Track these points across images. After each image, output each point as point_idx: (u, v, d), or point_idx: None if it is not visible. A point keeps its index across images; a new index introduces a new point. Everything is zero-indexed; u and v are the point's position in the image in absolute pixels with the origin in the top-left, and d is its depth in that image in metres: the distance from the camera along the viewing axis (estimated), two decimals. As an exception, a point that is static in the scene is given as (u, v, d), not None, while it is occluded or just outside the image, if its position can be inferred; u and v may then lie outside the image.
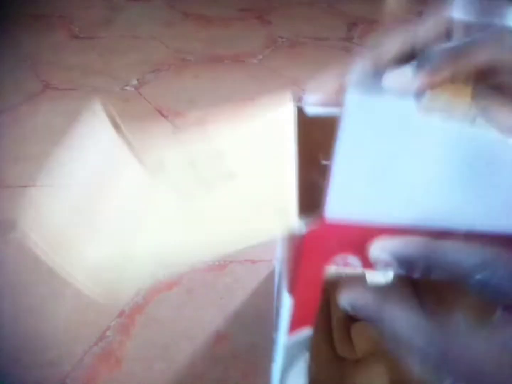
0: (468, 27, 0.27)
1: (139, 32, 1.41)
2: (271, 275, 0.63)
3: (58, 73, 1.13)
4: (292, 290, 0.29)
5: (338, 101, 0.27)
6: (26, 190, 0.77)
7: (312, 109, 0.35)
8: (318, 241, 0.27)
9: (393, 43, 0.28)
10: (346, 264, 0.27)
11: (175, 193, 0.28)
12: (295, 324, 0.31)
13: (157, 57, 1.25)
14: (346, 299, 0.27)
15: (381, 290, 0.26)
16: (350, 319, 0.45)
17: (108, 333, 0.55)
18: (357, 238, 0.26)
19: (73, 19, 1.47)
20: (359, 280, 0.28)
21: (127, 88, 1.09)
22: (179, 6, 1.64)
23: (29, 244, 0.28)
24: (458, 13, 0.28)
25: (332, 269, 0.28)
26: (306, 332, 0.32)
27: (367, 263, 0.27)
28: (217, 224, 0.28)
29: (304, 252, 0.27)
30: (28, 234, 0.26)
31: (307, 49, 1.35)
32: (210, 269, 0.64)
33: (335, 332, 0.45)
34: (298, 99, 0.40)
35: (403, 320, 0.24)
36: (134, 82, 1.12)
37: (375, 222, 0.25)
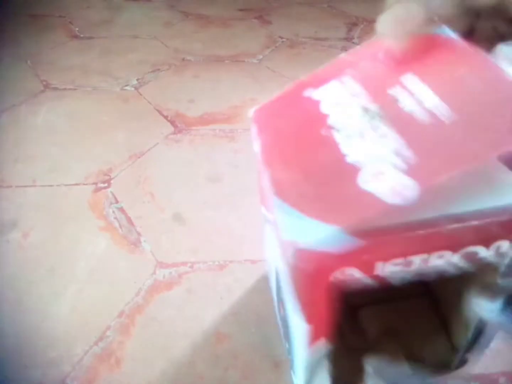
0: None
1: (139, 32, 1.41)
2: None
3: (58, 73, 1.13)
4: (305, 316, 0.29)
5: None
6: (26, 190, 0.77)
7: None
8: (316, 266, 0.26)
9: None
10: (349, 277, 0.27)
11: None
12: (313, 339, 0.31)
13: (157, 57, 1.25)
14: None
15: None
16: (355, 307, 0.45)
17: (108, 333, 0.55)
18: (356, 254, 0.26)
19: (73, 19, 1.47)
20: None
21: (127, 88, 1.09)
22: (179, 6, 1.64)
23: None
24: None
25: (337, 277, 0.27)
26: (323, 343, 0.32)
27: (371, 275, 0.26)
28: None
29: (306, 281, 0.27)
30: None
31: (307, 49, 1.35)
32: (210, 269, 0.64)
33: (343, 324, 0.45)
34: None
35: None
36: (134, 82, 1.12)
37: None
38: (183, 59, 1.25)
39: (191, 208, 0.74)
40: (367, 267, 0.26)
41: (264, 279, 0.62)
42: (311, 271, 0.25)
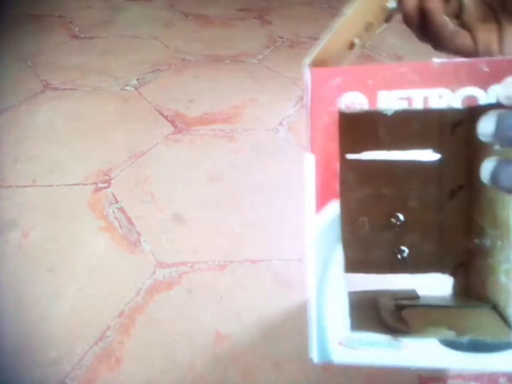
0: None
1: (139, 32, 1.41)
2: (271, 275, 0.63)
3: (58, 73, 1.13)
4: (312, 146, 0.29)
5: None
6: (26, 190, 0.77)
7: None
8: (325, 81, 0.29)
9: None
10: (353, 104, 0.29)
11: None
12: (321, 199, 0.30)
13: (157, 57, 1.25)
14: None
15: None
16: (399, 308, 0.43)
17: (108, 333, 0.55)
18: (362, 76, 0.28)
19: (73, 19, 1.47)
20: None
21: (127, 88, 1.09)
22: (179, 6, 1.64)
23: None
24: None
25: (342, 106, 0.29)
26: (334, 208, 0.30)
27: (373, 102, 0.28)
28: None
29: (313, 94, 0.29)
30: None
31: (307, 49, 1.34)
32: (210, 269, 0.64)
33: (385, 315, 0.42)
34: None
35: None
36: (134, 82, 1.12)
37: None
38: (183, 59, 1.25)
39: (191, 208, 0.74)
40: (371, 93, 0.28)
41: (264, 279, 0.62)
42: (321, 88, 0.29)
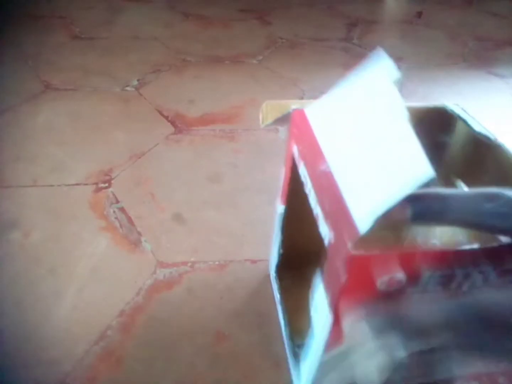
0: None
1: (139, 33, 1.41)
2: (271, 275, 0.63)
3: (59, 74, 1.13)
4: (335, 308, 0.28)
5: None
6: (27, 190, 0.77)
7: None
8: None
9: None
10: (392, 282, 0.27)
11: None
12: (333, 341, 0.30)
13: (157, 57, 1.25)
14: None
15: None
16: None
17: (108, 332, 0.55)
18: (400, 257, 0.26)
19: (74, 19, 1.47)
20: None
21: (128, 88, 1.09)
22: (179, 7, 1.64)
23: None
24: None
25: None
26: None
27: (413, 278, 0.26)
28: None
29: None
30: None
31: (307, 50, 1.35)
32: (210, 269, 0.64)
33: None
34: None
35: None
36: (135, 82, 1.12)
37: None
38: (183, 60, 1.25)
39: (191, 208, 0.75)
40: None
41: (265, 279, 0.62)
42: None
